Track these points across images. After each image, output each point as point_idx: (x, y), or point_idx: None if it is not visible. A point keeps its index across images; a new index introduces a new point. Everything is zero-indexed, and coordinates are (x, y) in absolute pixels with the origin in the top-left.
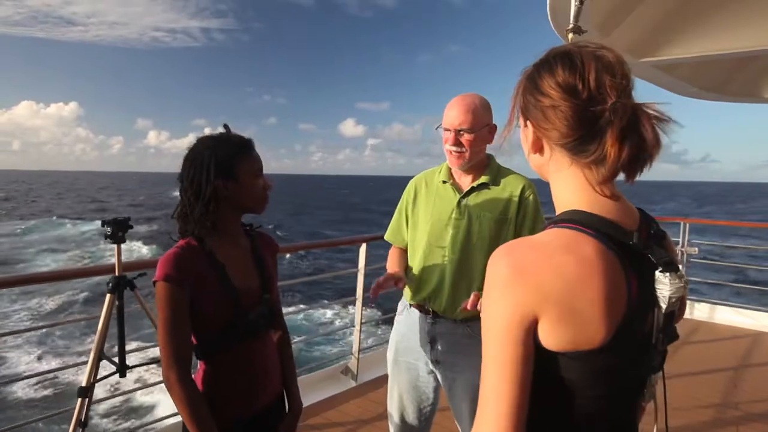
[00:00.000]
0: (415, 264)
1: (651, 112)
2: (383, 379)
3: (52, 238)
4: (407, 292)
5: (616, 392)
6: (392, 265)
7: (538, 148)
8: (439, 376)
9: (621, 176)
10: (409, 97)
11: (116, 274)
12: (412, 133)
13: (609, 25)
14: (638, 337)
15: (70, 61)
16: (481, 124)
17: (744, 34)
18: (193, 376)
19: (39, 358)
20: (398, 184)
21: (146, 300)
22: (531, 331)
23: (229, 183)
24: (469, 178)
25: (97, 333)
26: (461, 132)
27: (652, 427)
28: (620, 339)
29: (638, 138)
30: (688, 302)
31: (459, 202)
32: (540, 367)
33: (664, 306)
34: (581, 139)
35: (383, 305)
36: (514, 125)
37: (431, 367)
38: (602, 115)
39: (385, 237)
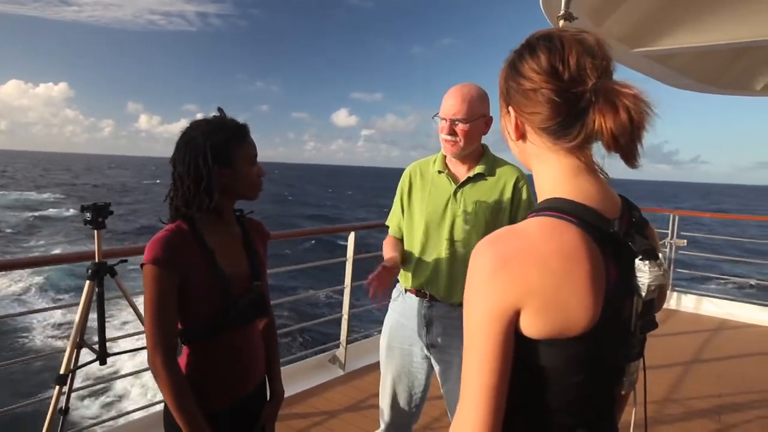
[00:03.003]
0: (413, 251)
1: (631, 91)
2: (371, 368)
3: None
4: (403, 277)
5: (595, 379)
6: (388, 252)
7: (520, 134)
8: (433, 361)
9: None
10: (403, 88)
11: (96, 260)
12: (406, 125)
13: (602, 14)
14: (617, 324)
15: (61, 41)
16: (476, 115)
17: (739, 26)
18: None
19: (17, 345)
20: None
21: (126, 286)
22: (513, 322)
23: (224, 170)
24: (465, 168)
25: (76, 320)
26: (456, 122)
27: (630, 417)
28: (600, 327)
29: (621, 116)
30: (675, 294)
31: (455, 192)
32: (520, 355)
33: (643, 294)
34: (564, 122)
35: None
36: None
37: (426, 352)
38: (583, 96)
39: (387, 222)
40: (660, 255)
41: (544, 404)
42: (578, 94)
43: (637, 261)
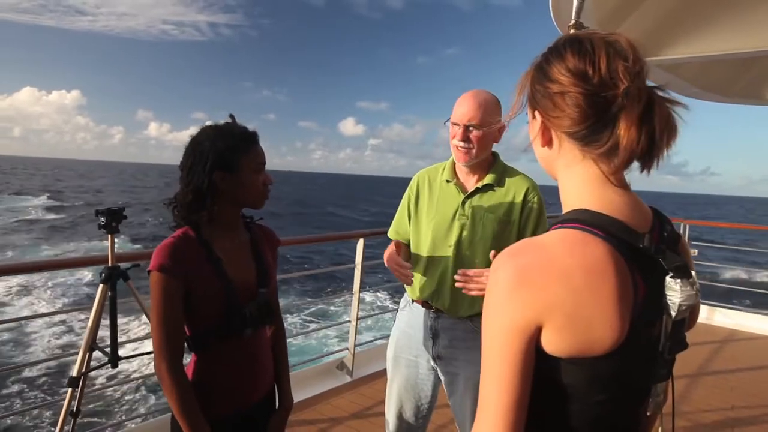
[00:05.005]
0: (419, 262)
1: (664, 96)
2: (378, 375)
3: None
4: (410, 288)
5: (619, 399)
6: (393, 255)
7: (546, 140)
8: (440, 372)
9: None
10: (408, 98)
11: (109, 264)
12: (413, 134)
13: (612, 23)
14: (644, 344)
15: (76, 50)
16: (490, 121)
17: (749, 35)
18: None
19: (30, 348)
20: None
21: (139, 291)
22: (533, 339)
23: (227, 176)
24: (474, 178)
25: (89, 323)
26: (470, 128)
27: (656, 430)
28: (626, 346)
29: (653, 123)
30: None
31: (463, 203)
32: (541, 372)
33: (673, 313)
34: (593, 127)
35: (380, 301)
36: (517, 113)
37: (432, 363)
38: (614, 101)
39: (389, 234)
40: (693, 273)
41: (565, 423)
42: (609, 98)
43: (667, 278)
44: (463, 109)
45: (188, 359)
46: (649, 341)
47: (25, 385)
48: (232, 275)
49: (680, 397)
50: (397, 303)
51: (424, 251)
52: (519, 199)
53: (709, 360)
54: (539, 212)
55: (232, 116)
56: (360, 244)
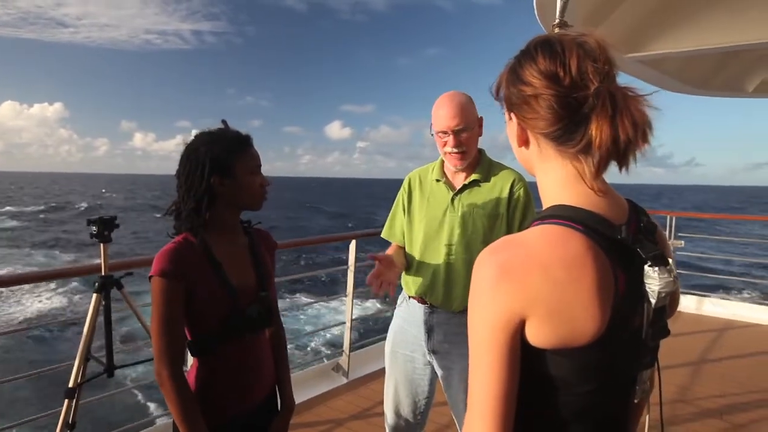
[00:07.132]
0: (413, 260)
1: (634, 95)
2: (374, 376)
3: None
4: (405, 284)
5: (605, 388)
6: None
7: (523, 141)
8: (435, 366)
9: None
10: (393, 99)
11: (102, 273)
12: (399, 135)
13: (595, 20)
14: (627, 333)
15: (57, 62)
16: (473, 121)
17: (730, 29)
18: (186, 371)
19: (25, 359)
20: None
21: (133, 299)
22: (518, 332)
23: (225, 180)
24: (462, 175)
25: (84, 333)
26: (460, 132)
27: (644, 419)
28: (608, 335)
29: (623, 121)
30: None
31: (452, 200)
32: (528, 364)
33: (653, 301)
34: (566, 127)
35: (374, 302)
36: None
37: (428, 358)
38: (585, 102)
39: (382, 234)
40: (670, 261)
41: (554, 414)
42: (580, 99)
43: (646, 267)
44: (447, 114)
45: (188, 364)
46: (632, 330)
47: (20, 398)
48: (233, 279)
49: (675, 385)
50: (396, 292)
51: (417, 249)
52: (505, 192)
53: (700, 350)
54: (525, 203)
55: (224, 122)
56: (352, 246)
